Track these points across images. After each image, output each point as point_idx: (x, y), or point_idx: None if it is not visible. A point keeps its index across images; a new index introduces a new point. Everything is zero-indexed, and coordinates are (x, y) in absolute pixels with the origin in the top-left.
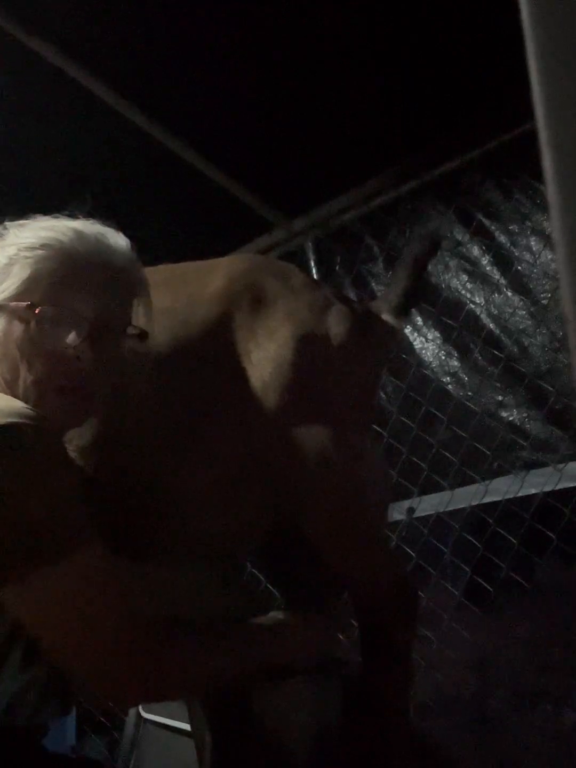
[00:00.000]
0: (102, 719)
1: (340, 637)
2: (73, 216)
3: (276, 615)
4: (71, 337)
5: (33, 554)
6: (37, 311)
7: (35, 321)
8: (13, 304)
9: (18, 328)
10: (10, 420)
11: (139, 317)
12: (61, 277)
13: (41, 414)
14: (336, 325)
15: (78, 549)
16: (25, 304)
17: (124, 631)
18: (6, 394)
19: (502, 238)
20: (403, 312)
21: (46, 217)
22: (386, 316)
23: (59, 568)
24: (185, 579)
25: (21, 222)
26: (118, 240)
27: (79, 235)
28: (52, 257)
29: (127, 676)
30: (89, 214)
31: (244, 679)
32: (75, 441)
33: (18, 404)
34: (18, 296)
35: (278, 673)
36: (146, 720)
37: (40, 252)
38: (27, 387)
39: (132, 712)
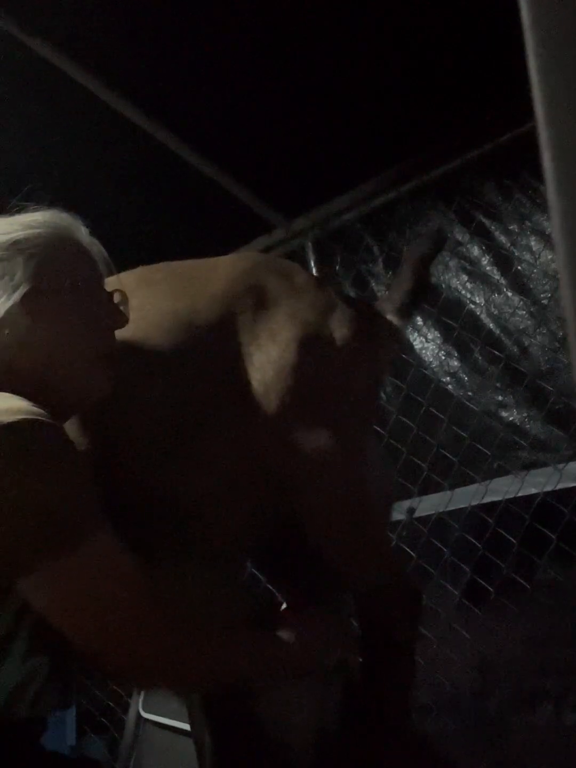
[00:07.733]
0: (102, 719)
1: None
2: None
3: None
4: (98, 308)
5: (48, 545)
6: (66, 298)
7: (69, 307)
8: (40, 299)
9: (47, 320)
10: (18, 417)
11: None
12: (67, 261)
13: (45, 411)
14: (339, 327)
15: (91, 538)
16: (54, 296)
17: (142, 614)
18: (26, 389)
19: (502, 238)
20: (406, 312)
21: None
22: (390, 316)
23: (74, 557)
24: (188, 579)
25: None
26: (71, 218)
27: (55, 220)
28: (53, 245)
29: (147, 659)
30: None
31: (256, 677)
32: (76, 443)
33: (23, 403)
34: (35, 291)
35: (287, 675)
36: (146, 720)
37: (36, 242)
38: (74, 366)
39: (132, 712)
